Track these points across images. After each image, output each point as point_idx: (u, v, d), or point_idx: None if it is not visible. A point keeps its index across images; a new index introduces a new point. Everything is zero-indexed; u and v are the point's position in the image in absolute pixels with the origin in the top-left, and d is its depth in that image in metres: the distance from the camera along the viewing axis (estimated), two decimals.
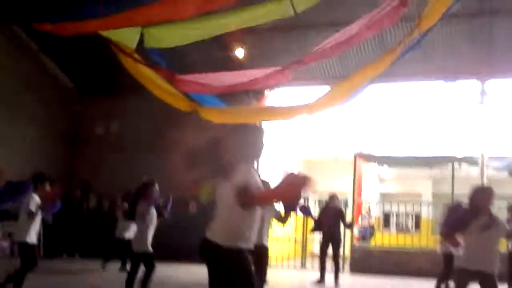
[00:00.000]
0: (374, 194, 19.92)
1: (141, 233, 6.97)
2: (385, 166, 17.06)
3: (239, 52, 12.28)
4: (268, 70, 7.47)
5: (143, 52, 8.31)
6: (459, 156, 13.82)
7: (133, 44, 7.78)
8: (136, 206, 6.98)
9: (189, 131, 14.98)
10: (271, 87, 12.97)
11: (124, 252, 10.64)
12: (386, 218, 22.35)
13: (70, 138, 15.53)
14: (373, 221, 18.06)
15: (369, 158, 14.99)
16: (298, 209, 9.14)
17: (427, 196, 21.44)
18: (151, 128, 14.97)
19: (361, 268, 13.04)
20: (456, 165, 14.13)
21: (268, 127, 14.17)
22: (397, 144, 15.30)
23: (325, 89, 8.67)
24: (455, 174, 14.10)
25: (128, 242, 10.40)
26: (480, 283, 5.27)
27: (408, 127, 15.02)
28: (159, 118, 14.65)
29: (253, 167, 3.76)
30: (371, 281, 11.85)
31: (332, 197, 11.26)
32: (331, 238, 10.85)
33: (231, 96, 10.63)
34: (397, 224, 22.12)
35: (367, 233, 16.77)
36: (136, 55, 8.04)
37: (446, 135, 14.47)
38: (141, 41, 7.81)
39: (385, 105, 14.33)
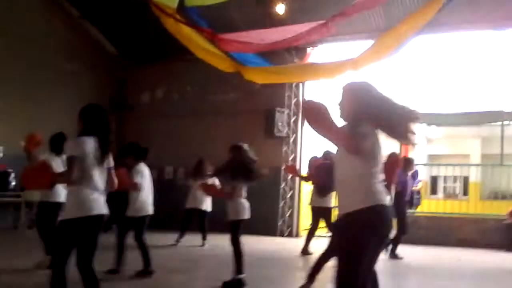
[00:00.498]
0: (421, 156, 19.42)
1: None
2: (433, 126, 16.67)
3: (280, 8, 12.00)
4: (310, 25, 7.38)
5: (184, 13, 8.31)
6: (509, 110, 13.35)
7: (174, 4, 7.78)
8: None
9: (233, 94, 15.03)
10: (314, 44, 12.74)
11: (200, 223, 10.67)
12: (433, 182, 22.01)
13: (116, 105, 15.79)
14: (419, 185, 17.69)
15: None
16: None
17: (476, 157, 20.97)
18: (196, 93, 15.07)
19: (406, 238, 12.75)
20: (506, 122, 13.71)
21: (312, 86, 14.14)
22: (444, 101, 14.89)
23: (369, 43, 8.44)
24: (505, 133, 13.69)
25: (203, 212, 10.66)
26: None
27: (455, 82, 14.54)
28: (204, 82, 14.74)
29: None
30: (417, 251, 11.06)
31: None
32: None
33: (273, 55, 10.57)
34: (444, 188, 21.76)
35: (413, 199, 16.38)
36: (177, 16, 8.04)
37: (496, 89, 13.98)
38: (181, 1, 7.81)
39: (431, 58, 13.86)
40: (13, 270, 6.97)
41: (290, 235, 13.52)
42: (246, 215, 6.38)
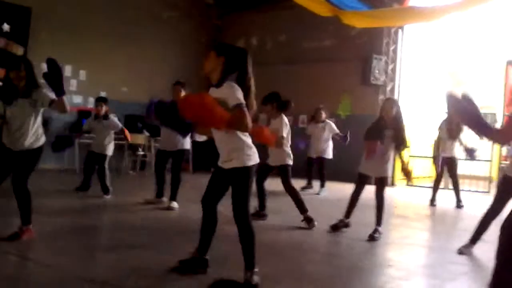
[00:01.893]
0: None
1: None
2: None
3: None
4: None
5: None
6: None
7: None
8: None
9: (329, 41, 14.77)
10: None
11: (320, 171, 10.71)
12: None
13: None
14: None
15: None
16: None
17: None
18: (290, 40, 14.94)
19: None
20: None
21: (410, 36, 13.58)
22: None
23: None
24: None
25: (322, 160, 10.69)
26: None
27: None
28: (299, 30, 14.58)
29: None
30: None
31: None
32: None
33: (371, 0, 10.21)
34: None
35: None
36: None
37: None
38: None
39: None
40: (119, 206, 7.37)
41: None
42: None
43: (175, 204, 7.31)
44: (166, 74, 13.02)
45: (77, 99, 12.48)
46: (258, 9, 15.12)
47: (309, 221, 6.49)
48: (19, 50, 11.25)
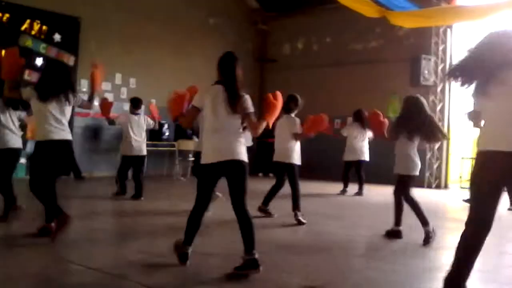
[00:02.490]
0: None
1: None
2: None
3: None
4: None
5: None
6: None
7: None
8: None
9: (376, 42, 14.63)
10: None
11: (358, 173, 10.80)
12: None
13: (258, 57, 16.09)
14: None
15: None
16: None
17: None
18: (336, 42, 14.85)
19: None
20: None
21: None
22: None
23: None
24: None
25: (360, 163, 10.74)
26: None
27: None
28: (345, 32, 14.48)
29: None
30: None
31: None
32: None
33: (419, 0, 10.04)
34: None
35: None
36: None
37: None
38: None
39: None
40: (171, 212, 7.44)
41: (438, 186, 13.06)
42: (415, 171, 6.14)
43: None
44: (213, 81, 13.14)
45: (127, 107, 12.72)
46: (303, 12, 15.10)
47: (299, 221, 6.72)
48: (70, 60, 11.58)
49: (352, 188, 10.71)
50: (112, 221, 7.18)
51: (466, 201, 9.40)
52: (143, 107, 9.26)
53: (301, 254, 5.15)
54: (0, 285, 3.74)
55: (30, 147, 9.32)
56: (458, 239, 3.53)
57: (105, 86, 12.30)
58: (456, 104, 12.96)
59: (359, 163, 10.68)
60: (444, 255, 5.49)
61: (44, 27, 11.45)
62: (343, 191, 10.81)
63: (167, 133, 13.13)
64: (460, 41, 13.36)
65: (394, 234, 6.07)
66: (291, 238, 6.09)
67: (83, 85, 11.89)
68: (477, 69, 3.32)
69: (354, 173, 10.78)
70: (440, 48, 13.16)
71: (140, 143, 8.68)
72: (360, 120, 10.63)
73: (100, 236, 5.76)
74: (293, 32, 15.79)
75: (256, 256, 4.11)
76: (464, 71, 3.38)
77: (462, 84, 3.38)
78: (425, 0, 10.69)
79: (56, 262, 4.48)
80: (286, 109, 6.94)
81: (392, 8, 8.82)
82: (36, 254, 4.66)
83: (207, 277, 4.15)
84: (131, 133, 8.64)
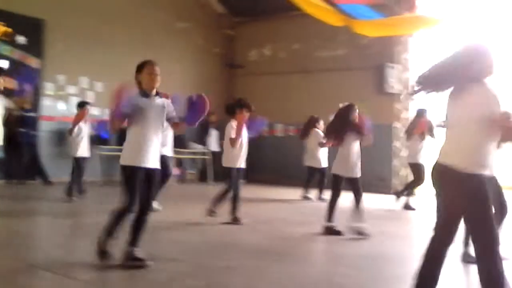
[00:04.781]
0: None
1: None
2: None
3: None
4: None
5: None
6: None
7: None
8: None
9: (342, 50, 14.79)
10: None
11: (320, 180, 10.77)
12: None
13: (225, 63, 16.14)
14: None
15: None
16: None
17: None
18: (304, 50, 14.98)
19: None
20: None
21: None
22: None
23: None
24: None
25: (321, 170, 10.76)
26: None
27: None
28: (312, 39, 14.62)
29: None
30: None
31: None
32: None
33: (382, 8, 10.23)
34: None
35: None
36: None
37: None
38: None
39: None
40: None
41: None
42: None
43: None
44: (181, 84, 13.14)
45: (95, 111, 12.61)
46: (270, 18, 15.19)
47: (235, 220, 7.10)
48: (35, 63, 11.43)
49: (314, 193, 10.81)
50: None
51: (405, 208, 9.69)
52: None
53: (270, 260, 5.16)
54: None
55: None
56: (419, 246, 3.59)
57: (71, 89, 12.25)
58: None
59: (322, 169, 10.74)
60: (411, 261, 5.60)
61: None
62: (307, 197, 10.89)
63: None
64: (422, 50, 13.63)
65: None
66: (259, 244, 6.05)
67: (49, 88, 11.79)
68: (443, 79, 3.36)
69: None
70: (404, 56, 13.42)
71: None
72: (314, 126, 10.72)
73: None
74: (261, 38, 15.87)
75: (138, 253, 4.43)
76: (431, 81, 3.42)
77: (428, 93, 3.42)
78: (387, 9, 10.90)
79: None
80: (231, 113, 7.17)
81: (356, 17, 8.99)
82: None
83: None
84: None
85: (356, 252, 5.71)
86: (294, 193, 11.29)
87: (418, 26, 10.17)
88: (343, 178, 6.58)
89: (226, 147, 7.18)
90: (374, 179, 12.24)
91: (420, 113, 9.50)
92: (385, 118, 12.78)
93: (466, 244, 5.07)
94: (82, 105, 9.10)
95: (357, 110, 6.83)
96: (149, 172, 4.48)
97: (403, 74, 13.36)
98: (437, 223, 3.54)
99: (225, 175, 7.37)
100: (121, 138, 6.77)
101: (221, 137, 6.95)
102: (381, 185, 12.65)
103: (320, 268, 5.19)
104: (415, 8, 12.58)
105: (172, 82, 13.72)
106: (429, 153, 9.13)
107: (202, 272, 4.48)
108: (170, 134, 7.66)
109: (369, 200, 10.47)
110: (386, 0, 10.82)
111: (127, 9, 13.35)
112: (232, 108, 7.17)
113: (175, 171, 11.57)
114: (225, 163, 7.22)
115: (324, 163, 10.63)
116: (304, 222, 7.73)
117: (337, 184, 6.59)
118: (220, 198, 7.33)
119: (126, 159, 4.47)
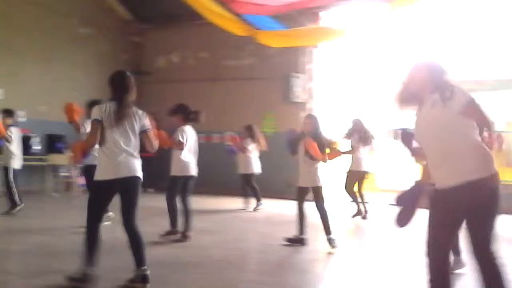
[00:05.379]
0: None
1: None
2: None
3: None
4: None
5: None
6: None
7: None
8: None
9: (249, 59, 14.96)
10: (326, 7, 12.53)
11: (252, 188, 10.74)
12: None
13: (132, 70, 15.91)
14: None
15: None
16: None
17: None
18: (212, 58, 15.06)
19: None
20: None
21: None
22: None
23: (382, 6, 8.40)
24: None
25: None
26: None
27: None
28: (220, 48, 14.73)
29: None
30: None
31: None
32: None
33: (287, 19, 10.54)
34: None
35: None
36: None
37: None
38: None
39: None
40: (44, 230, 7.19)
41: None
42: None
43: None
44: (86, 92, 12.85)
45: None
46: (178, 26, 15.13)
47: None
48: None
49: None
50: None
51: (354, 216, 9.75)
52: None
53: (189, 271, 5.20)
54: None
55: None
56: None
57: None
58: (324, 119, 13.57)
59: (251, 175, 10.72)
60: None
61: None
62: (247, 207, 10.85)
63: (38, 147, 12.41)
64: (326, 60, 14.11)
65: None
66: (181, 255, 6.00)
67: None
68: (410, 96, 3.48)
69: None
70: (308, 66, 13.84)
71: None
72: (251, 134, 10.76)
73: None
74: (169, 46, 15.77)
75: (147, 272, 4.27)
76: (403, 99, 3.53)
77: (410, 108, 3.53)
78: (291, 20, 11.23)
79: None
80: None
81: (260, 27, 9.20)
82: None
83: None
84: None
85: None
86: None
87: (322, 37, 10.52)
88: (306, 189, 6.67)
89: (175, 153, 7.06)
90: (284, 185, 12.44)
91: (356, 123, 9.50)
92: (291, 126, 13.07)
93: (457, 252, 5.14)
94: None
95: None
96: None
97: (308, 83, 13.77)
98: (437, 243, 3.34)
99: None
100: None
101: None
102: (289, 191, 12.90)
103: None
104: (319, 20, 13.03)
105: (78, 91, 13.42)
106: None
107: None
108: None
109: (278, 206, 10.81)
110: (290, 11, 11.10)
111: (25, 15, 12.83)
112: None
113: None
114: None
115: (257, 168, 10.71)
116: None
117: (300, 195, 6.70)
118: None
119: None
